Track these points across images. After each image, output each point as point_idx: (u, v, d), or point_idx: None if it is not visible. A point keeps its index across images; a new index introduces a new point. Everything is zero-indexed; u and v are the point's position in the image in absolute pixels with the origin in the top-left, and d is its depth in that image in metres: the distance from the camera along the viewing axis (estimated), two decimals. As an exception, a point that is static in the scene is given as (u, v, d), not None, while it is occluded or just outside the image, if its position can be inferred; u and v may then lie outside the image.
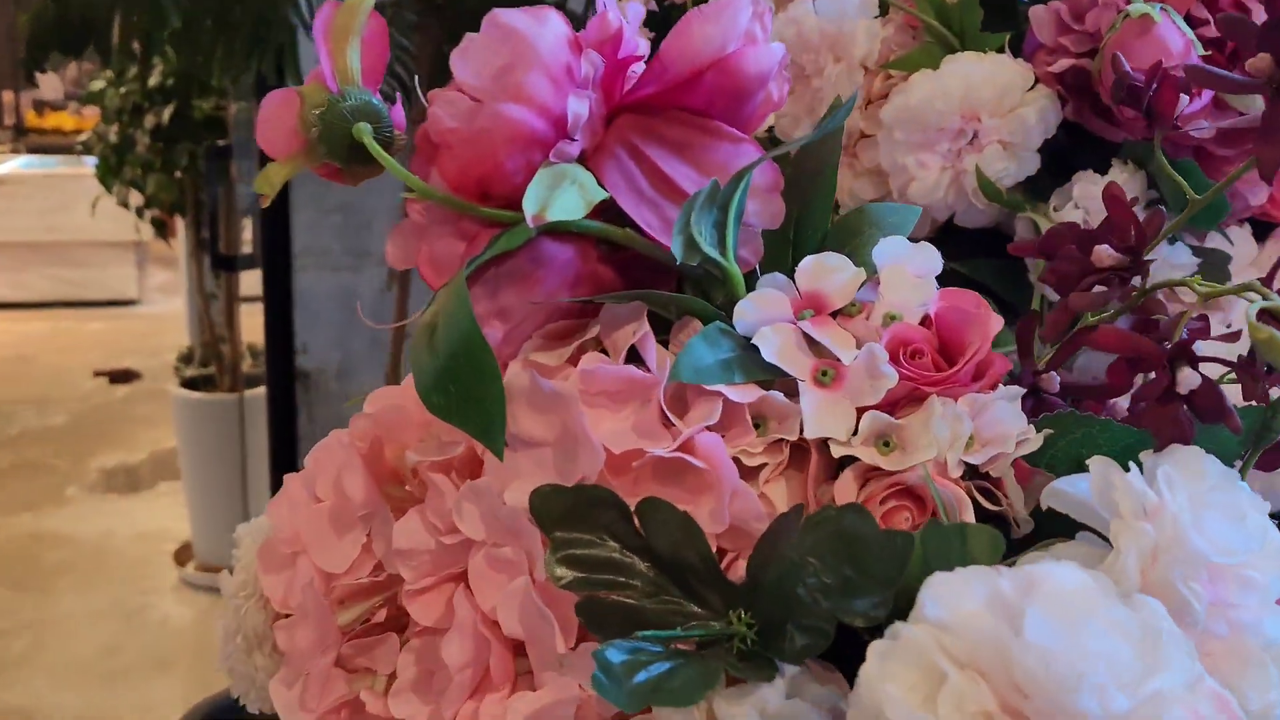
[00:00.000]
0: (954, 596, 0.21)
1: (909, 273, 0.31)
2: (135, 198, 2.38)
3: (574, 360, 0.30)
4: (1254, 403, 0.27)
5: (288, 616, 0.35)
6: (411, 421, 0.35)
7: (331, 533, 0.34)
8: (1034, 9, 0.44)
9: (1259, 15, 0.40)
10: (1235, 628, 0.23)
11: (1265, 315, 0.26)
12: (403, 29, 1.25)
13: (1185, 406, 0.26)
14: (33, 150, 5.74)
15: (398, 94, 0.37)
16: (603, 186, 0.31)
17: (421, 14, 1.22)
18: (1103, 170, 0.43)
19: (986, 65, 0.44)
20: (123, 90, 2.31)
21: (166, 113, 2.21)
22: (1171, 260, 0.41)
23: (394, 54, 1.24)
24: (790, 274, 0.32)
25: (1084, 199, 0.43)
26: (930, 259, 0.31)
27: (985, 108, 0.44)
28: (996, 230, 0.47)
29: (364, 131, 0.32)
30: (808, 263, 0.32)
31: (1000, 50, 0.45)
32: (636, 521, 0.27)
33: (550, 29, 0.30)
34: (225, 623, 0.38)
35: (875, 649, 0.21)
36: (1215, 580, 0.24)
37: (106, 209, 2.86)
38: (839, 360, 0.30)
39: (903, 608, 0.24)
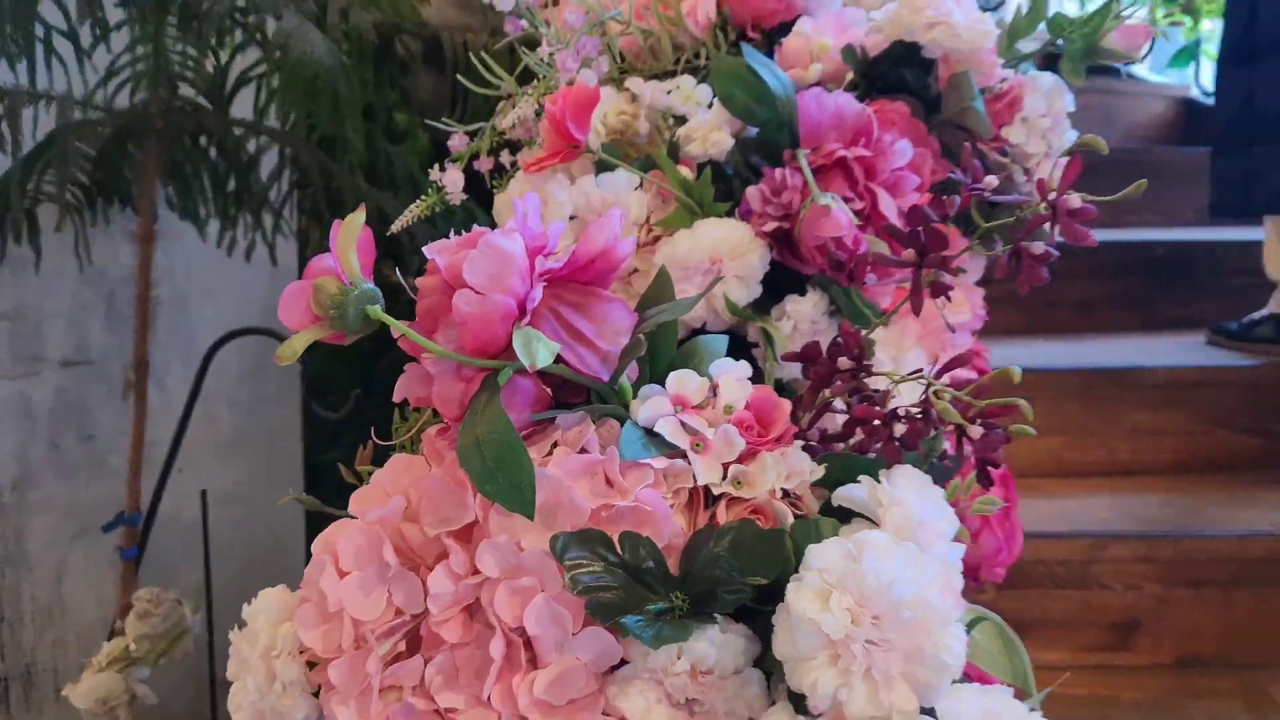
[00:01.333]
0: (825, 554, 0.41)
1: (735, 379, 0.51)
2: None
3: (549, 453, 0.47)
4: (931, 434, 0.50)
5: (325, 662, 0.48)
6: (412, 510, 0.49)
7: (361, 594, 0.48)
8: (748, 189, 0.67)
9: (882, 198, 0.65)
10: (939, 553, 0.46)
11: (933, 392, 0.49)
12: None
13: (898, 443, 0.48)
14: None
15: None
16: (543, 337, 0.48)
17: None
18: (801, 293, 0.67)
19: (724, 227, 0.66)
20: None
21: None
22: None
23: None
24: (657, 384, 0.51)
25: (791, 313, 0.66)
26: (744, 369, 0.52)
27: (725, 255, 0.66)
28: (732, 332, 0.69)
29: (377, 312, 0.47)
30: (673, 377, 0.51)
31: (729, 214, 0.67)
32: (621, 548, 0.45)
33: (518, 245, 0.47)
34: (254, 678, 0.49)
35: (792, 589, 0.41)
36: (928, 531, 0.46)
37: None
38: (706, 436, 0.49)
39: (779, 578, 0.44)
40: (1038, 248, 0.51)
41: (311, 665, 0.49)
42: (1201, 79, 2.91)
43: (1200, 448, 1.65)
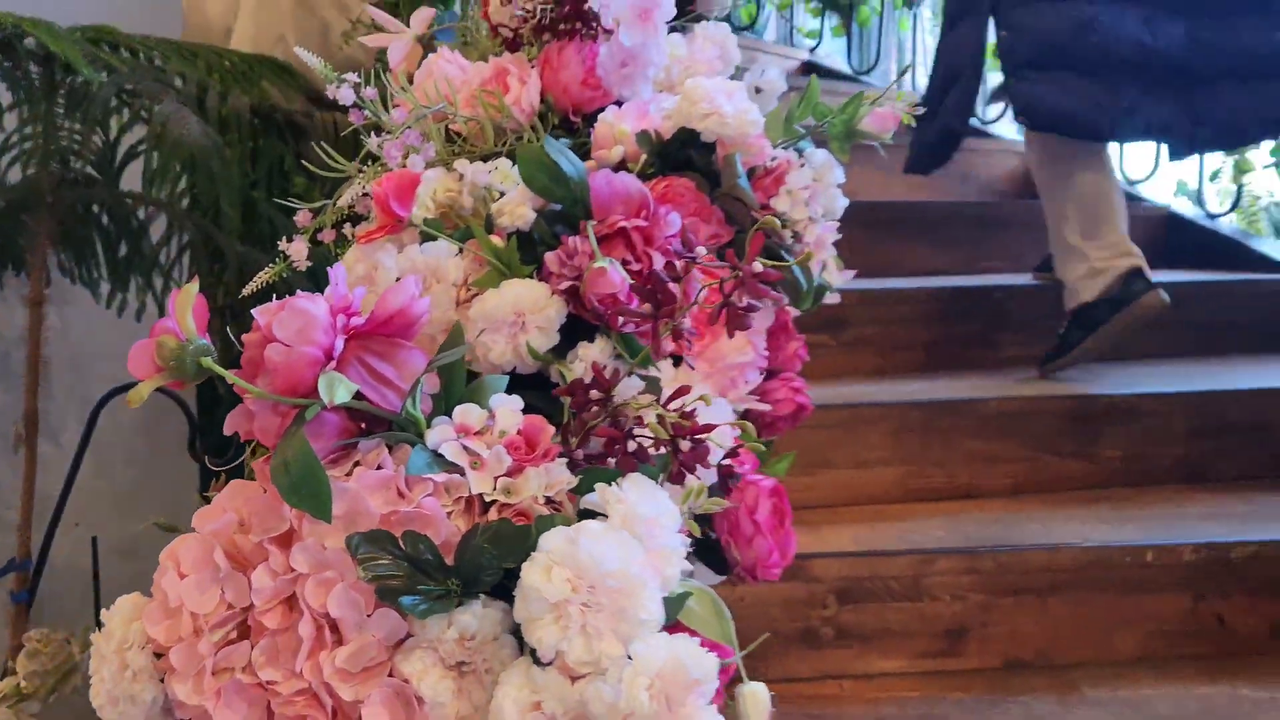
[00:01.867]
0: (551, 539, 0.54)
1: (509, 410, 0.64)
2: None
3: (350, 472, 0.59)
4: (663, 450, 0.63)
5: (168, 650, 0.58)
6: (244, 523, 0.60)
7: (198, 591, 0.58)
8: (548, 255, 0.80)
9: (657, 260, 0.79)
10: (656, 541, 0.58)
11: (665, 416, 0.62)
12: None
13: (635, 458, 0.61)
14: None
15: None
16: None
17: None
18: (590, 339, 0.79)
19: (527, 286, 0.78)
20: None
21: None
22: (632, 386, 0.78)
23: None
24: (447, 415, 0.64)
25: (582, 356, 0.79)
26: (517, 403, 0.65)
27: (527, 310, 0.78)
28: (540, 374, 0.82)
29: (209, 363, 0.58)
30: (458, 409, 0.63)
31: (533, 275, 0.80)
32: (401, 544, 0.57)
33: (321, 307, 0.59)
34: (109, 668, 0.59)
35: (525, 566, 0.53)
36: (650, 526, 0.59)
37: None
38: (481, 455, 0.62)
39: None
40: (741, 299, 0.64)
41: (159, 656, 0.60)
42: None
43: (1029, 471, 1.82)
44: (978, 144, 3.01)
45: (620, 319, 0.69)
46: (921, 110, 0.98)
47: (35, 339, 1.26)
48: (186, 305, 0.59)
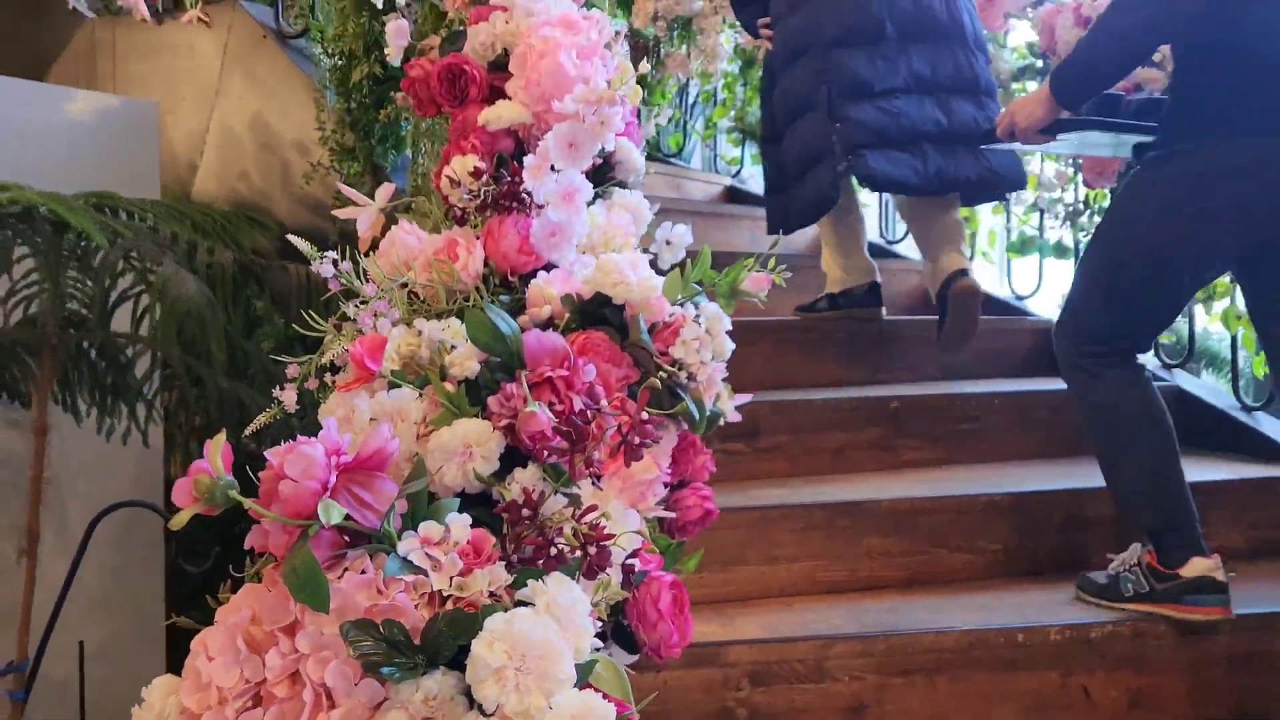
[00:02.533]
0: (493, 622, 0.73)
1: (460, 525, 0.84)
2: None
3: (340, 575, 0.79)
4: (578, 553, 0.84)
5: (200, 717, 0.76)
6: (257, 617, 0.79)
7: (223, 670, 0.77)
8: (490, 398, 1.01)
9: (576, 403, 1.00)
10: (572, 622, 0.79)
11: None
12: None
13: (556, 560, 0.82)
14: None
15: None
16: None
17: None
18: (524, 466, 1.00)
19: (473, 424, 0.99)
20: None
21: None
22: (556, 503, 0.99)
23: None
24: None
25: (518, 479, 1.00)
26: (466, 519, 0.85)
27: (474, 443, 0.99)
28: (484, 493, 1.02)
29: (235, 495, 0.78)
30: (422, 526, 0.83)
31: (477, 415, 1.01)
32: (381, 629, 0.76)
33: (318, 450, 0.79)
34: (150, 734, 0.77)
35: (474, 642, 0.73)
36: (567, 611, 0.79)
37: None
38: (440, 561, 0.82)
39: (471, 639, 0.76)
40: (634, 438, 0.86)
41: (189, 722, 0.78)
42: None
43: (921, 564, 2.05)
44: (884, 263, 3.31)
45: (544, 451, 0.90)
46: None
47: (39, 462, 1.42)
48: (217, 451, 0.79)
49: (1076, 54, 1.87)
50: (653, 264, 1.21)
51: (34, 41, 3.02)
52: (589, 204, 1.31)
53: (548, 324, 1.13)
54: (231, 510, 0.81)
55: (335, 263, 1.10)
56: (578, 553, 0.83)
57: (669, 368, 1.13)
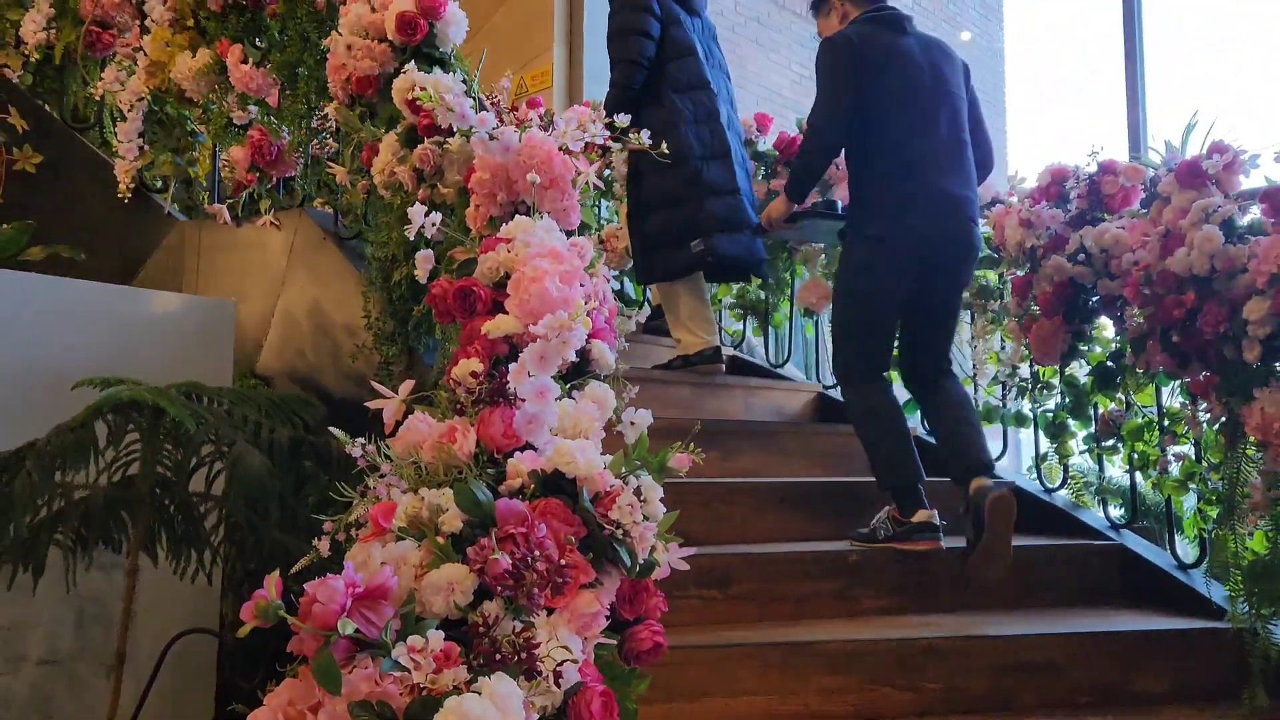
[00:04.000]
0: (452, 704, 1.09)
1: (437, 638, 1.20)
2: None
3: (351, 670, 1.15)
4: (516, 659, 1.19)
5: (250, 768, 1.11)
6: (293, 700, 1.15)
7: (268, 736, 1.12)
8: (469, 549, 1.38)
9: (533, 556, 1.37)
10: (510, 709, 1.14)
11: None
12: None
13: (500, 664, 1.17)
14: None
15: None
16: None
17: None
18: (491, 599, 1.36)
19: (456, 569, 1.35)
20: None
21: None
22: (508, 626, 1.34)
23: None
24: (404, 642, 1.20)
25: (485, 610, 1.35)
26: (440, 635, 1.21)
27: (456, 582, 1.35)
28: (463, 617, 1.38)
29: (283, 614, 1.15)
30: (409, 639, 1.20)
31: (460, 561, 1.38)
32: (376, 708, 1.11)
33: (340, 584, 1.16)
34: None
35: (435, 717, 1.08)
36: (504, 699, 1.14)
37: None
38: (421, 664, 1.17)
39: None
40: (559, 579, 1.22)
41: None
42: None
43: (869, 700, 2.33)
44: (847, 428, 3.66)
45: (499, 588, 1.27)
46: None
47: (130, 597, 1.80)
48: (271, 585, 1.17)
49: (791, 172, 3.02)
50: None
51: (130, 241, 3.57)
52: (565, 395, 1.71)
53: (519, 492, 1.51)
54: (276, 636, 1.17)
55: (363, 445, 1.50)
56: (515, 658, 1.19)
57: (608, 526, 1.49)
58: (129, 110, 3.33)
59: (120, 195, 3.38)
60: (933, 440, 3.07)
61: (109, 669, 1.80)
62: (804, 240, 3.89)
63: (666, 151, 2.36)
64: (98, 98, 3.51)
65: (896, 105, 2.79)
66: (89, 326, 2.35)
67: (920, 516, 2.74)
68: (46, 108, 3.69)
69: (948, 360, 2.96)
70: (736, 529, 2.85)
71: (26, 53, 3.51)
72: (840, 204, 3.33)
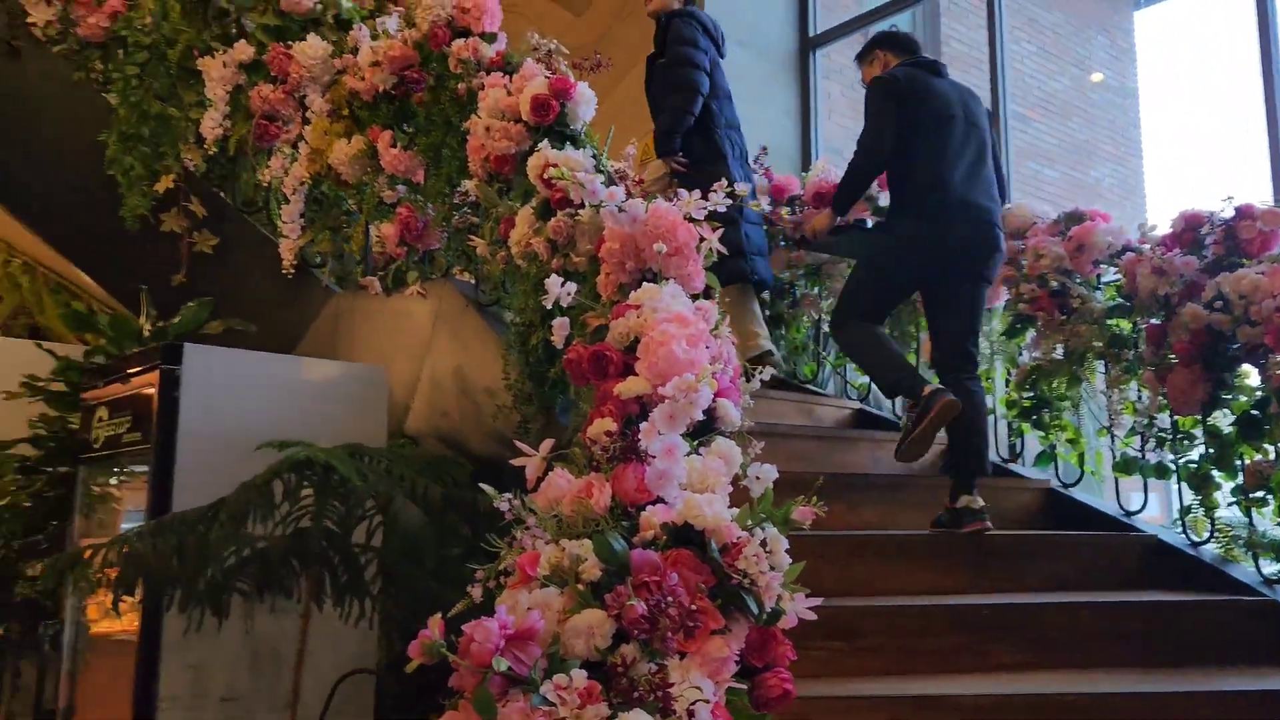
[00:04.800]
0: (593, 733, 1.20)
1: (580, 677, 1.31)
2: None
3: (505, 704, 1.27)
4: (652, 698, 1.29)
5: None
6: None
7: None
8: (606, 596, 1.49)
9: (666, 600, 1.47)
10: None
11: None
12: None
13: (638, 701, 1.27)
14: None
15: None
16: (504, 660, 1.30)
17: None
18: (628, 642, 1.46)
19: (595, 614, 1.47)
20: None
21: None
22: (644, 668, 1.44)
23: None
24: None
25: (623, 653, 1.46)
26: (583, 674, 1.32)
27: (594, 626, 1.46)
28: (602, 660, 1.48)
29: (444, 651, 1.29)
30: (555, 676, 1.31)
31: (599, 606, 1.49)
32: (526, 737, 1.23)
33: (494, 625, 1.29)
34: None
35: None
36: (641, 732, 1.24)
37: None
38: (566, 700, 1.29)
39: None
40: (689, 624, 1.32)
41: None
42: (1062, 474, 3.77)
43: (1002, 756, 2.32)
44: (998, 481, 3.62)
45: (635, 631, 1.37)
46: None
47: (303, 642, 1.98)
48: (434, 625, 1.31)
49: (840, 186, 3.52)
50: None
51: (293, 312, 3.89)
52: (692, 452, 1.82)
53: (652, 543, 1.62)
54: (428, 677, 1.31)
55: (509, 500, 1.64)
56: (652, 696, 1.29)
57: (736, 575, 1.58)
58: (292, 194, 3.66)
59: (284, 271, 3.70)
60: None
61: (285, 705, 1.98)
62: (838, 255, 4.27)
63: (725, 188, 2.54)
64: (265, 184, 3.86)
65: (933, 132, 3.35)
66: (261, 392, 2.60)
67: (963, 502, 3.11)
68: (221, 194, 4.07)
69: (972, 359, 3.34)
70: (863, 581, 2.88)
71: (206, 147, 3.90)
72: (870, 222, 3.78)
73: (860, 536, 3.01)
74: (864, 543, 2.95)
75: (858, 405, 4.46)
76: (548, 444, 1.90)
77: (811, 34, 5.88)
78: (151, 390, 2.56)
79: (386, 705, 2.12)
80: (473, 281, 3.57)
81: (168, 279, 3.98)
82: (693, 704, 1.37)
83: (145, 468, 2.55)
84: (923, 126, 3.35)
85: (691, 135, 3.91)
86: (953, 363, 3.31)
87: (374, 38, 3.45)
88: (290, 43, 3.62)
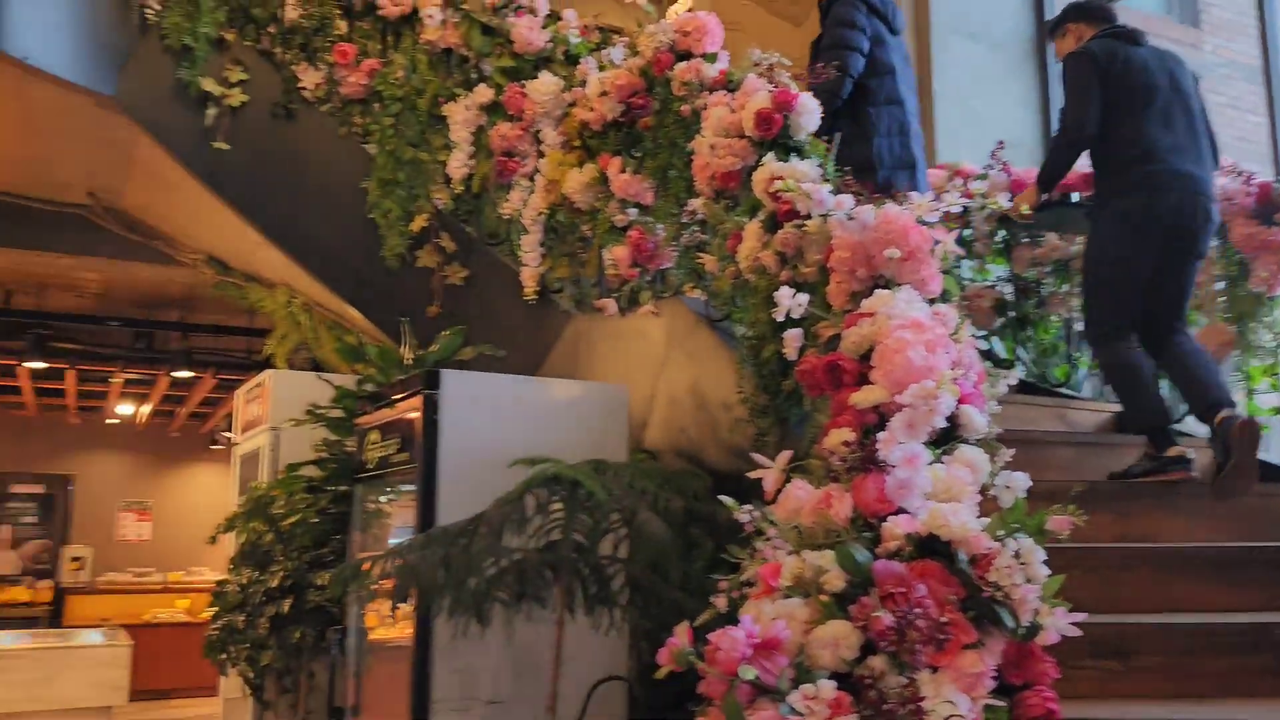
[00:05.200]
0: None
1: (828, 688, 1.31)
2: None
3: (753, 712, 1.28)
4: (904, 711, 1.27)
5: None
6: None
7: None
8: (850, 606, 1.47)
9: (913, 613, 1.44)
10: None
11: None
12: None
13: (888, 715, 1.25)
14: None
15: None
16: (751, 669, 1.31)
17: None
18: (875, 653, 1.44)
19: (842, 625, 1.45)
20: (242, 589, 3.23)
21: (286, 604, 3.11)
22: (895, 681, 1.41)
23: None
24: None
25: (870, 664, 1.44)
26: (832, 685, 1.32)
27: (841, 637, 1.45)
28: (849, 671, 1.47)
29: (694, 659, 1.32)
30: (803, 687, 1.31)
31: (843, 618, 1.48)
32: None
33: (740, 634, 1.31)
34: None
35: None
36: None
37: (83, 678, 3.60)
38: (815, 710, 1.28)
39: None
40: (939, 636, 1.28)
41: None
42: None
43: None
44: (1276, 488, 3.27)
45: (883, 644, 1.35)
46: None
47: (559, 646, 2.08)
48: (683, 633, 1.34)
49: (1045, 164, 3.50)
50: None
51: (536, 336, 4.10)
52: (935, 461, 1.77)
53: (895, 554, 1.58)
54: (681, 682, 1.34)
55: (749, 511, 1.66)
56: (903, 710, 1.26)
57: (987, 587, 1.52)
58: (531, 224, 3.86)
59: (527, 297, 3.91)
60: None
61: (546, 709, 2.08)
62: (1041, 230, 4.25)
63: None
64: (506, 216, 4.09)
65: (1139, 104, 3.28)
66: (512, 412, 2.76)
67: (1173, 452, 3.13)
68: (468, 229, 4.36)
69: (1183, 321, 3.34)
70: (1135, 597, 2.68)
71: (453, 186, 4.19)
72: (1076, 197, 3.80)
73: (1130, 549, 2.80)
74: (1134, 555, 2.74)
75: (1117, 408, 4.16)
76: (785, 456, 1.91)
77: (1048, 19, 5.57)
78: (415, 414, 2.78)
79: (638, 711, 2.18)
80: (703, 298, 3.62)
81: (424, 310, 4.30)
82: (947, 719, 1.33)
83: (411, 485, 2.76)
84: (1126, 99, 3.29)
85: (839, 115, 3.82)
86: (1165, 330, 3.29)
87: (600, 69, 3.59)
88: (524, 82, 3.83)
